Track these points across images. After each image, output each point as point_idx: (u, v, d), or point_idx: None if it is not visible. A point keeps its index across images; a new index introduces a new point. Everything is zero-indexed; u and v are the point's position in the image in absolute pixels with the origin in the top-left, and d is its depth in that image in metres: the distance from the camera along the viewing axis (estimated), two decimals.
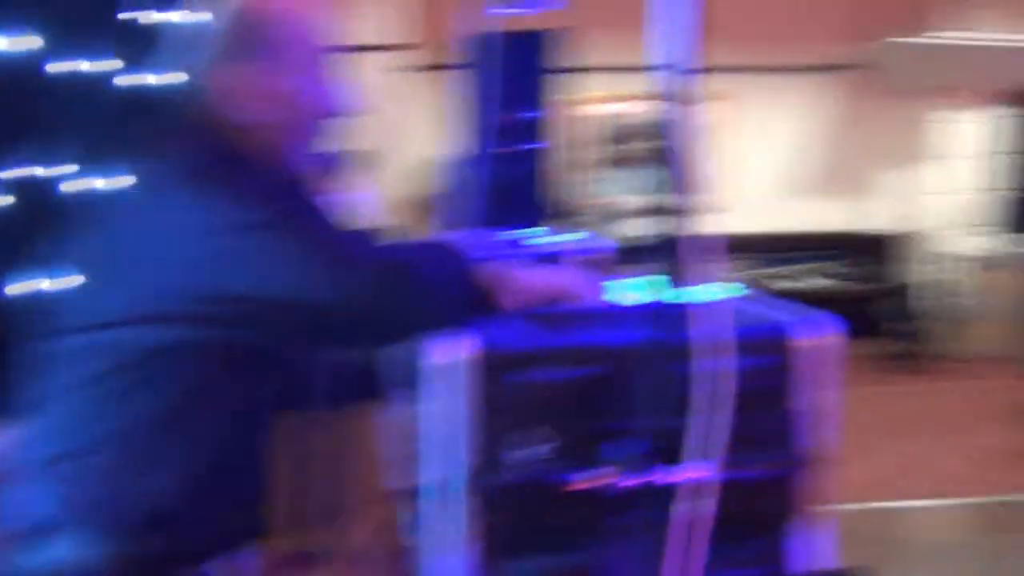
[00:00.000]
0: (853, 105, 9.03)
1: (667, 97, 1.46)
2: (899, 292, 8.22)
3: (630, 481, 1.45)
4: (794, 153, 8.86)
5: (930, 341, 8.37)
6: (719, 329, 1.42)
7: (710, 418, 1.40)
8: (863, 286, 8.69)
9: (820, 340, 1.58)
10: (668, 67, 1.46)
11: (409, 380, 1.69)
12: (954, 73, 8.42)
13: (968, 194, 8.56)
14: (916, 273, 8.59)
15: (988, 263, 8.15)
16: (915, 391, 7.13)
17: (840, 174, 9.08)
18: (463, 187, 2.66)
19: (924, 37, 8.38)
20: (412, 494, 1.70)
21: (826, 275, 8.67)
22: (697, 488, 1.42)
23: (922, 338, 8.11)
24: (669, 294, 1.45)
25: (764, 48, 8.18)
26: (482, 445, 1.58)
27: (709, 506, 1.43)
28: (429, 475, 1.63)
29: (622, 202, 8.07)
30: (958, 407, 6.62)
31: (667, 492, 1.42)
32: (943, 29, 8.49)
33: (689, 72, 1.47)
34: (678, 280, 1.44)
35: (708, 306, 1.45)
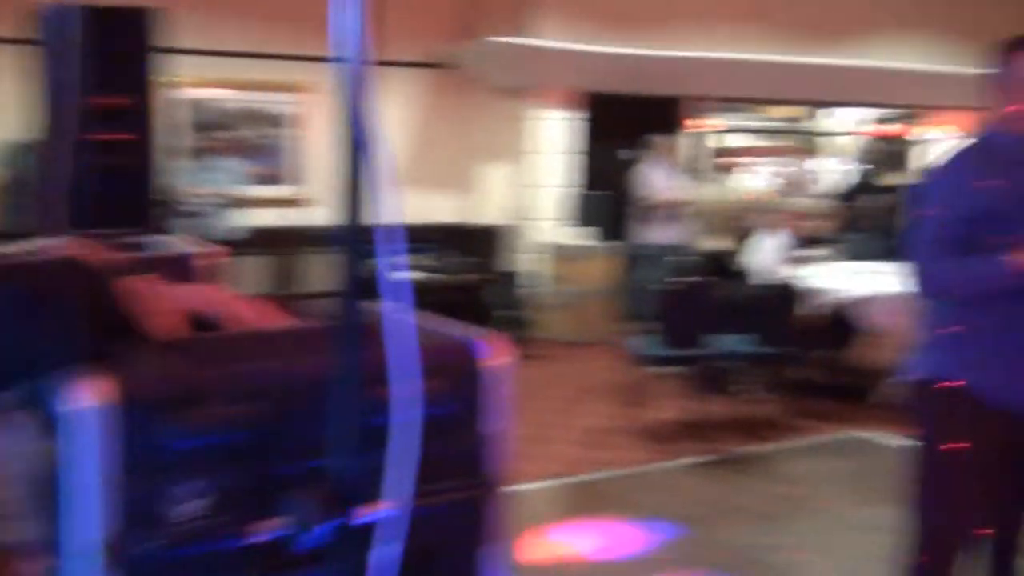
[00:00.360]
0: (455, 101, 9.33)
1: (337, 88, 1.31)
2: (505, 281, 8.60)
3: (310, 530, 1.28)
4: (400, 148, 8.96)
5: (534, 327, 8.88)
6: (402, 352, 1.29)
7: (398, 451, 1.27)
8: (471, 276, 9.00)
9: (499, 358, 1.51)
10: (336, 59, 1.31)
11: (39, 424, 1.39)
12: (545, 74, 8.97)
13: (558, 189, 9.16)
14: (519, 263, 9.05)
15: (574, 253, 8.77)
16: (523, 376, 7.48)
17: (446, 168, 9.35)
18: (45, 179, 2.30)
19: (520, 38, 8.82)
20: (44, 552, 1.40)
21: (435, 266, 8.87)
22: (386, 528, 1.29)
23: (527, 324, 8.55)
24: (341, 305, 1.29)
25: (376, 43, 8.18)
26: (127, 502, 1.33)
27: (398, 547, 1.30)
28: (64, 535, 1.35)
29: (223, 193, 7.70)
30: (562, 390, 7.05)
31: (354, 536, 1.28)
32: (539, 32, 8.99)
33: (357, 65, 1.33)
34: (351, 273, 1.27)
35: (387, 324, 1.31)
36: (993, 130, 2.76)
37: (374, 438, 1.22)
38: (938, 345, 2.77)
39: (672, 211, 8.26)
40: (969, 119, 11.31)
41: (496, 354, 1.56)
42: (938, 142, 11.42)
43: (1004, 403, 2.65)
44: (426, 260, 8.78)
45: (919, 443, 2.81)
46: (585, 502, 4.90)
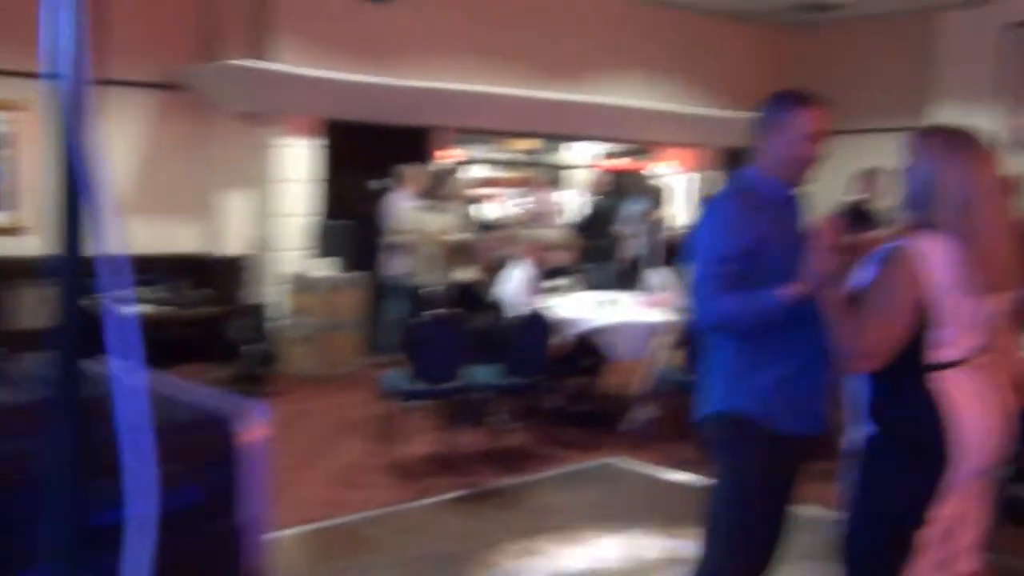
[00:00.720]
0: (193, 125, 8.85)
1: (49, 107, 1.11)
2: (247, 314, 8.19)
3: None
4: (131, 173, 8.37)
5: (282, 362, 8.51)
6: (135, 429, 1.07)
7: (132, 556, 1.04)
8: (210, 309, 8.52)
9: (255, 431, 1.27)
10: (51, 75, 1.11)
11: None
12: (285, 99, 8.68)
13: (302, 218, 8.87)
14: (263, 295, 8.67)
15: (318, 285, 8.49)
16: (273, 414, 7.11)
17: (184, 196, 8.83)
18: None
19: (259, 62, 8.50)
20: None
21: (170, 299, 8.33)
22: None
23: (272, 359, 8.18)
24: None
25: (98, 61, 7.59)
26: None
27: None
28: None
29: None
30: (311, 428, 6.76)
31: None
32: (279, 56, 8.69)
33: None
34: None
35: (117, 393, 1.08)
36: (760, 174, 2.87)
37: (101, 540, 0.98)
38: (726, 378, 2.82)
39: (417, 242, 8.18)
40: (691, 156, 12.07)
41: (252, 425, 1.32)
42: (666, 176, 12.07)
43: (792, 431, 2.74)
44: (160, 293, 8.22)
45: (715, 475, 2.85)
46: (339, 547, 4.66)
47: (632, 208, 10.42)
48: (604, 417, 7.03)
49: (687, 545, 3.69)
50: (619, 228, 10.45)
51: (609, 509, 5.23)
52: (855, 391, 2.58)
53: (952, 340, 2.47)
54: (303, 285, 8.59)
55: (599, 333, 6.57)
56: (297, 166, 8.89)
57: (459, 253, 7.33)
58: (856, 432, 2.57)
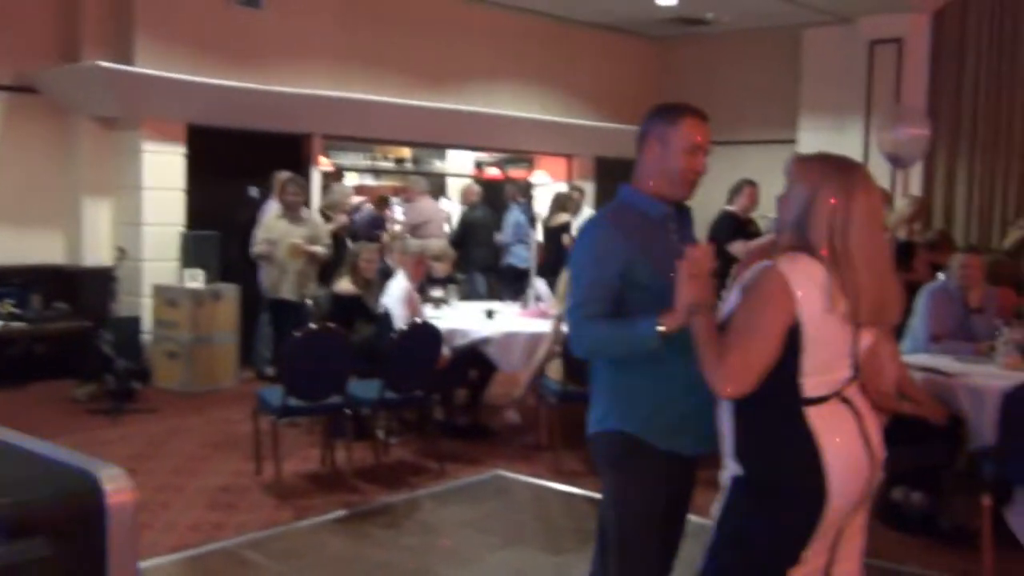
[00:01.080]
0: (49, 130, 8.40)
1: None
2: (111, 327, 7.77)
3: None
4: None
5: (152, 377, 8.12)
6: None
7: None
8: (69, 323, 8.08)
9: (122, 493, 1.06)
10: None
11: None
12: (148, 104, 8.31)
13: (169, 227, 8.48)
14: (128, 307, 8.26)
15: (186, 297, 8.13)
16: (138, 432, 6.76)
17: (40, 204, 8.37)
18: None
19: (119, 64, 8.12)
20: None
21: (23, 314, 7.86)
22: None
23: (138, 374, 7.79)
24: None
25: None
26: None
27: None
28: None
29: None
30: (182, 446, 6.44)
31: None
32: (141, 60, 8.32)
33: None
34: None
35: None
36: (638, 191, 2.78)
37: None
38: (608, 398, 2.74)
39: (275, 253, 7.92)
40: (564, 166, 12.15)
41: (118, 487, 1.10)
42: (541, 186, 12.11)
43: (674, 452, 2.67)
44: (11, 307, 7.76)
45: (605, 492, 2.77)
46: (217, 574, 4.41)
47: (513, 217, 10.40)
48: (489, 429, 6.94)
49: (576, 560, 3.64)
50: (500, 238, 10.42)
51: (498, 524, 5.13)
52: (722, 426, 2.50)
53: (821, 370, 2.38)
54: (169, 297, 8.21)
55: (485, 344, 6.48)
56: (163, 173, 8.50)
57: (340, 262, 7.11)
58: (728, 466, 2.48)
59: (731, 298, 2.48)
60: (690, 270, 2.49)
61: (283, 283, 7.96)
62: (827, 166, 2.46)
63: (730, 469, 2.45)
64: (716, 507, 2.48)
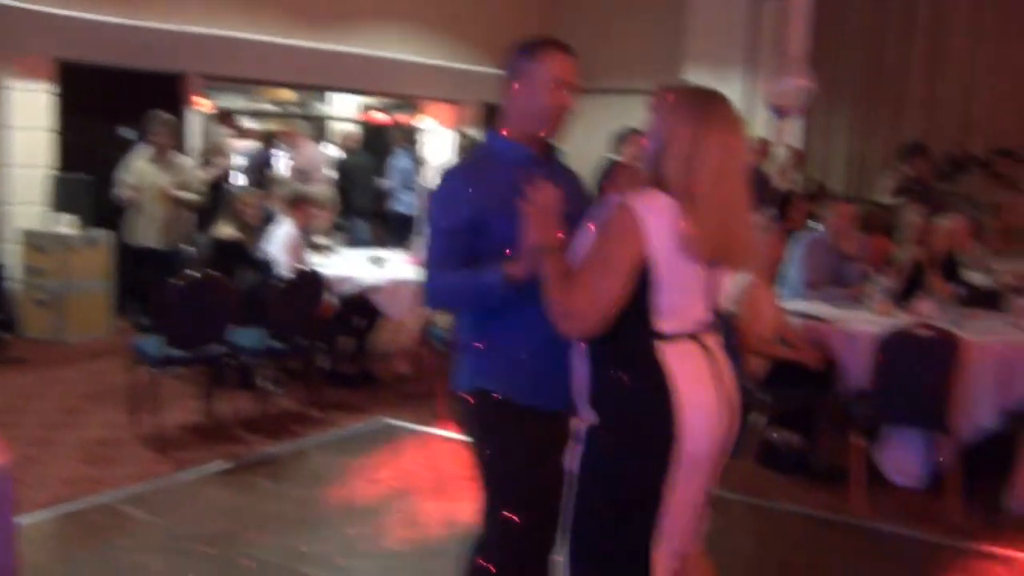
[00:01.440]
0: None
1: None
2: None
3: None
4: None
5: (20, 326, 7.76)
6: None
7: None
8: None
9: None
10: None
11: None
12: (13, 38, 7.86)
13: (38, 169, 8.08)
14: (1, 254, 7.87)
15: (55, 243, 7.78)
16: (8, 384, 6.48)
17: None
18: None
19: None
20: None
21: None
22: None
23: (6, 323, 7.45)
24: None
25: None
26: None
27: None
28: None
29: None
30: (56, 399, 6.21)
31: None
32: None
33: None
34: None
35: None
36: (501, 135, 2.65)
37: None
38: (469, 356, 2.65)
39: (140, 199, 7.63)
40: (452, 112, 12.02)
41: None
42: (429, 132, 11.98)
43: (539, 406, 2.56)
44: None
45: (474, 450, 2.69)
46: (96, 529, 4.27)
47: (399, 163, 10.26)
48: (375, 377, 6.89)
49: (466, 506, 3.64)
50: (386, 183, 10.27)
51: (386, 472, 5.11)
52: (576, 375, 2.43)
53: (675, 309, 2.31)
54: (38, 243, 7.84)
55: (374, 291, 6.41)
56: (31, 112, 8.06)
57: (222, 208, 6.89)
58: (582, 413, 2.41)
59: (585, 237, 2.39)
60: (533, 212, 2.39)
61: (150, 230, 7.68)
62: (684, 99, 2.37)
63: (585, 418, 2.39)
64: (570, 457, 2.42)
